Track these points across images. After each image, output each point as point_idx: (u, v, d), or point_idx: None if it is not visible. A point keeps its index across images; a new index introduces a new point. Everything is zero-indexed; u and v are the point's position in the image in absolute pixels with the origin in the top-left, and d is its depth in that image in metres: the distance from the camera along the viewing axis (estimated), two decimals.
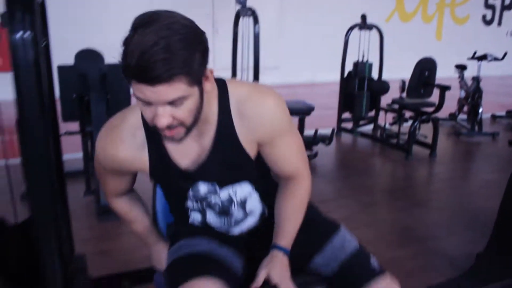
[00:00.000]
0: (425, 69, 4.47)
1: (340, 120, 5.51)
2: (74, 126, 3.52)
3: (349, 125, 5.52)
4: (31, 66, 0.89)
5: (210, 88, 1.02)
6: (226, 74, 1.62)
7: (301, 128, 4.30)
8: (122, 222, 1.41)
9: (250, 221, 1.30)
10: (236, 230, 1.30)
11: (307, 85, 10.60)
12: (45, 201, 1.09)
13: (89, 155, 3.58)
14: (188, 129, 1.02)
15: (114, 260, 2.56)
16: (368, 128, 5.62)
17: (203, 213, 1.28)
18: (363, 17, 5.23)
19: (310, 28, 10.70)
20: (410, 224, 3.09)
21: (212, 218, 1.28)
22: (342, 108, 5.45)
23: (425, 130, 4.97)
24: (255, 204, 1.28)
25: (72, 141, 3.73)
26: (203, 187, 1.21)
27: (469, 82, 5.72)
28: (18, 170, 3.66)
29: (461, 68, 5.84)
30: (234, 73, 4.46)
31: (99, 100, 3.26)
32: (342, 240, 1.34)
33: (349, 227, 2.94)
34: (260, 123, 1.13)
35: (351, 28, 5.29)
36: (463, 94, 5.86)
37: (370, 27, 5.24)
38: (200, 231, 1.31)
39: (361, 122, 5.50)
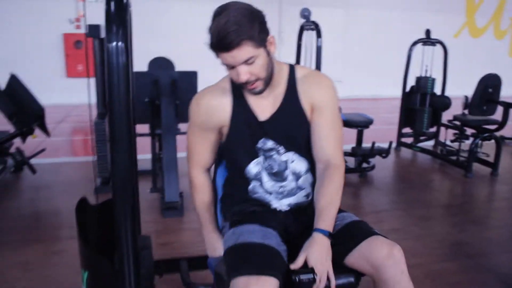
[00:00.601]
0: (489, 86, 4.39)
1: (400, 135, 5.51)
2: (145, 128, 3.83)
3: (409, 140, 5.50)
4: (122, 71, 1.10)
5: (274, 50, 1.39)
6: None
7: (359, 140, 4.38)
8: (192, 193, 1.63)
9: (299, 196, 1.53)
10: (284, 203, 1.52)
11: (371, 99, 10.55)
12: (126, 187, 1.28)
13: (156, 155, 3.88)
14: (265, 83, 1.40)
15: (175, 252, 2.80)
16: (429, 144, 5.56)
17: (260, 180, 1.52)
18: (427, 32, 5.22)
19: (375, 42, 10.66)
20: (463, 239, 3.08)
21: (266, 181, 1.51)
22: (403, 122, 5.45)
23: (488, 149, 4.85)
24: (306, 183, 1.53)
25: (142, 142, 4.06)
26: (270, 142, 1.50)
27: None
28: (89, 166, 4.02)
29: None
30: None
31: (169, 105, 3.53)
32: (348, 215, 1.53)
33: (400, 238, 3.03)
34: (318, 88, 1.49)
35: (414, 43, 5.29)
36: None
37: (434, 42, 5.22)
38: (256, 212, 1.50)
39: (422, 138, 5.46)
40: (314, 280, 1.29)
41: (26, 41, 8.99)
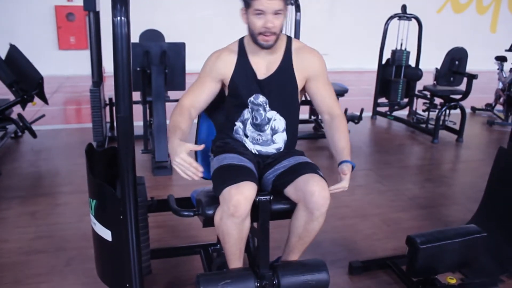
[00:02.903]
0: (456, 58, 4.76)
1: (376, 104, 5.88)
2: (136, 96, 4.14)
3: (385, 110, 5.88)
4: (125, 43, 1.42)
5: (286, 17, 1.75)
6: None
7: None
8: (172, 114, 1.82)
9: (270, 148, 1.90)
10: (256, 148, 1.90)
11: (355, 72, 10.85)
12: (128, 134, 1.57)
13: (147, 122, 4.20)
14: (275, 40, 1.74)
15: None
16: (403, 113, 5.95)
17: (245, 125, 1.88)
18: (404, 7, 5.53)
19: (359, 17, 10.91)
20: (419, 194, 3.50)
21: (249, 129, 1.88)
22: (378, 93, 5.82)
23: (456, 118, 5.24)
24: (280, 140, 1.91)
25: (134, 110, 4.37)
26: (262, 98, 1.84)
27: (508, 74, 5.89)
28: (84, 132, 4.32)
29: (501, 59, 6.01)
30: None
31: (159, 74, 3.83)
32: (301, 158, 1.87)
33: (364, 193, 3.44)
34: (311, 61, 1.86)
35: (390, 18, 5.61)
36: (500, 85, 6.03)
37: (409, 17, 5.54)
38: (235, 147, 1.86)
39: (396, 107, 5.84)
40: (270, 201, 1.69)
41: (19, 13, 9.13)
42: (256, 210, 1.67)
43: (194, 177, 1.61)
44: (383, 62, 5.73)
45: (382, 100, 5.87)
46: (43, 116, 4.53)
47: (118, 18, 1.41)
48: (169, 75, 3.94)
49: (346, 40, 10.90)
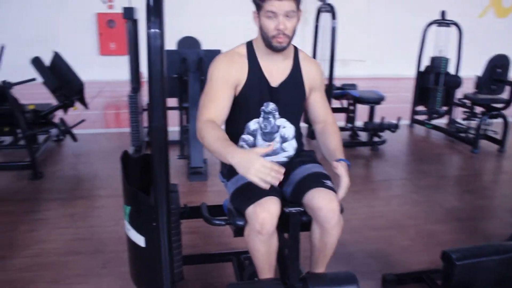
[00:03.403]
0: (498, 66, 4.60)
1: (414, 112, 5.76)
2: (173, 102, 4.22)
3: (424, 118, 5.74)
4: (158, 53, 1.45)
5: (299, 20, 1.69)
6: None
7: (371, 115, 4.69)
8: (203, 134, 1.62)
9: (280, 157, 1.87)
10: (267, 159, 1.82)
11: (392, 78, 10.67)
12: (161, 142, 1.59)
13: (183, 127, 4.28)
14: (288, 43, 1.70)
15: None
16: (442, 122, 5.80)
17: (255, 136, 1.82)
18: (443, 13, 5.40)
19: (396, 22, 10.71)
20: (457, 206, 3.40)
21: (259, 140, 1.83)
22: (417, 101, 5.70)
23: (499, 127, 5.06)
24: (290, 147, 1.89)
25: (170, 115, 4.46)
26: (272, 105, 1.80)
27: None
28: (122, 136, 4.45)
29: None
30: None
31: (195, 80, 3.90)
32: (314, 167, 1.84)
33: (399, 203, 3.36)
34: (315, 72, 1.88)
35: (429, 24, 5.49)
36: None
37: (449, 23, 5.40)
38: None
39: (435, 116, 5.69)
40: (301, 212, 1.67)
41: (62, 20, 9.49)
42: (285, 222, 1.67)
43: (275, 183, 1.44)
44: (422, 69, 5.61)
45: (420, 108, 5.74)
46: (83, 120, 4.68)
47: (153, 30, 1.45)
48: (205, 82, 3.97)
49: (382, 46, 10.74)
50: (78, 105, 4.58)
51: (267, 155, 1.81)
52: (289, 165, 1.87)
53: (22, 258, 2.58)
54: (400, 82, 10.18)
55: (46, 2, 9.40)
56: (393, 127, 4.60)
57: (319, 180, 1.73)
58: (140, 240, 1.77)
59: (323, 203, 1.63)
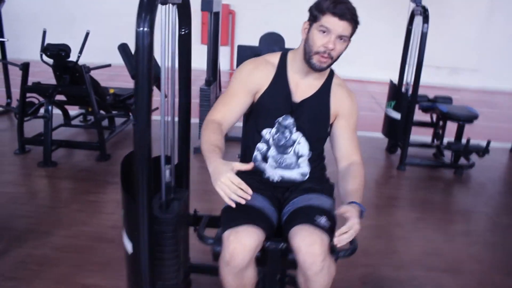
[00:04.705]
0: None
1: None
2: None
3: None
4: (146, 51, 1.36)
5: (347, 48, 1.57)
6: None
7: (458, 135, 4.16)
8: (203, 132, 1.60)
9: (295, 172, 1.70)
10: (277, 173, 1.70)
11: (509, 93, 9.52)
12: (143, 153, 1.53)
13: None
14: (329, 65, 1.59)
15: None
16: None
17: (268, 145, 1.69)
18: None
19: None
20: None
21: (271, 151, 1.69)
22: None
23: None
24: (305, 165, 1.71)
25: None
26: (290, 119, 1.67)
27: None
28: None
29: None
30: (402, 70, 4.50)
31: None
32: (314, 197, 1.62)
33: (467, 242, 2.89)
34: (346, 99, 1.72)
35: None
36: None
37: None
38: (249, 182, 1.57)
39: None
40: (282, 248, 1.44)
41: None
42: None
43: (241, 201, 1.35)
44: None
45: None
46: (156, 108, 4.79)
47: (141, 29, 1.33)
48: None
49: (502, 56, 9.58)
50: (155, 91, 4.69)
51: (279, 167, 1.70)
52: (296, 188, 1.66)
53: (60, 237, 2.68)
54: None
55: None
56: (481, 151, 4.01)
57: (310, 215, 1.48)
58: (128, 246, 1.69)
59: (302, 244, 1.39)
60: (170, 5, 1.65)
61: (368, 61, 9.34)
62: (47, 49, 3.81)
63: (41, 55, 3.88)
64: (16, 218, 2.88)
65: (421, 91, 4.15)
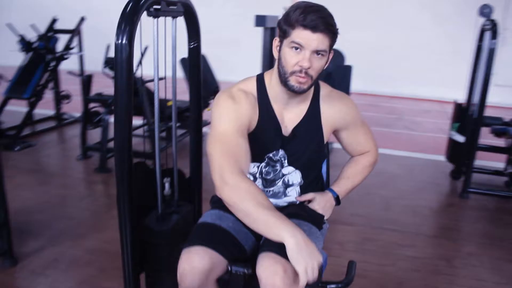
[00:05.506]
0: None
1: None
2: None
3: None
4: (125, 63, 1.33)
5: (328, 62, 1.38)
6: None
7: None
8: (238, 204, 1.25)
9: (282, 201, 1.60)
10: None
11: None
12: (123, 164, 1.49)
13: None
14: (309, 86, 1.37)
15: None
16: None
17: (255, 178, 1.57)
18: None
19: None
20: None
21: (258, 183, 1.58)
22: None
23: None
24: (294, 193, 1.60)
25: None
26: (281, 153, 1.54)
27: None
28: None
29: None
30: (470, 90, 4.14)
31: None
32: (304, 224, 1.48)
33: (498, 282, 2.53)
34: (341, 112, 1.55)
35: None
36: None
37: None
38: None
39: None
40: (247, 273, 1.32)
41: (246, 24, 10.10)
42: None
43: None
44: None
45: None
46: (209, 123, 4.86)
47: (120, 41, 1.33)
48: None
49: None
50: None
51: (271, 197, 1.60)
52: (281, 211, 1.53)
53: (93, 241, 2.79)
54: None
55: (234, 11, 10.09)
56: None
57: (278, 243, 1.23)
58: None
59: (263, 274, 1.25)
60: (170, 18, 1.65)
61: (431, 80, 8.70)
62: (108, 62, 4.05)
63: (103, 67, 4.13)
64: (59, 219, 3.06)
65: (495, 113, 3.78)
